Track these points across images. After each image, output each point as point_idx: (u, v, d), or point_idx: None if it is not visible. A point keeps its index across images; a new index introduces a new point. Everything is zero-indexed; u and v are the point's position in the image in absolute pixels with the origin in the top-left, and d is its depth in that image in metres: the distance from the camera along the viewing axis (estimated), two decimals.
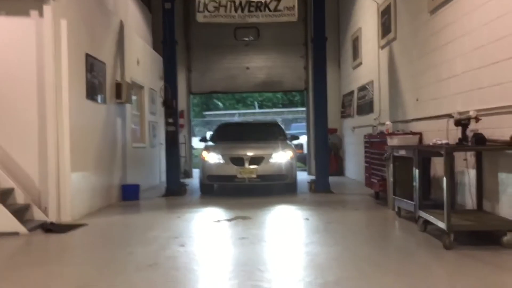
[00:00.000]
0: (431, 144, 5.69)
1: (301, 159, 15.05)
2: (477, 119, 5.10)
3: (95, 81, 7.60)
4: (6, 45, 6.55)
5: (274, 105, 28.72)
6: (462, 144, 5.16)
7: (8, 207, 5.94)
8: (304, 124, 17.00)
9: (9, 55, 6.55)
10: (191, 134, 14.84)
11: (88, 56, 7.30)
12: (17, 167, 6.51)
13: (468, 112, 5.38)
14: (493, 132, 5.13)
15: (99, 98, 7.81)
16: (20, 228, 5.83)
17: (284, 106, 28.52)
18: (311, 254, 4.68)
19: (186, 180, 10.92)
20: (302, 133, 15.70)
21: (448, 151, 4.86)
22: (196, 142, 16.70)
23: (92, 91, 7.49)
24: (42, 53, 6.50)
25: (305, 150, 15.60)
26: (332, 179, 10.13)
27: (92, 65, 7.46)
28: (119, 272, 4.19)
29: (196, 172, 13.49)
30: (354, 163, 12.26)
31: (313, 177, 10.29)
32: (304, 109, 18.32)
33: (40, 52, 6.51)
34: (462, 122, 5.25)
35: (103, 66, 8.03)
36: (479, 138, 4.87)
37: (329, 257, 4.54)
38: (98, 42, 7.93)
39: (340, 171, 13.57)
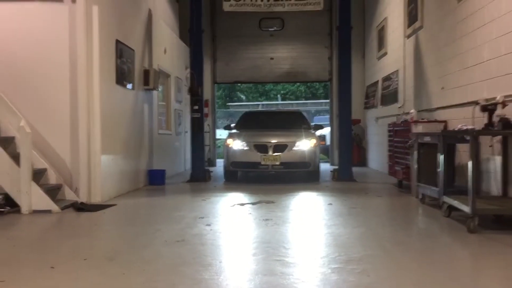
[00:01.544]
0: (456, 129, 5.68)
1: (324, 151, 15.09)
2: (504, 104, 5.09)
3: (124, 67, 7.79)
4: (41, 31, 6.76)
5: (297, 99, 28.71)
6: (488, 129, 5.15)
7: (41, 186, 6.19)
8: (327, 117, 17.02)
9: (43, 40, 6.76)
10: (215, 123, 14.99)
11: (118, 42, 7.48)
12: (50, 148, 6.75)
13: (494, 98, 5.37)
14: None
15: (128, 83, 8.01)
16: (53, 206, 6.07)
17: (307, 99, 28.49)
18: (335, 234, 4.76)
19: (210, 169, 11.08)
20: (325, 125, 15.71)
21: (474, 135, 4.86)
22: (219, 133, 16.96)
23: (122, 76, 7.68)
24: (75, 38, 6.70)
25: (327, 142, 15.63)
26: (355, 169, 10.18)
27: (121, 51, 7.64)
28: (147, 245, 4.35)
29: (219, 162, 13.72)
30: (377, 154, 12.24)
31: (336, 167, 10.36)
32: (327, 101, 18.34)
33: (72, 38, 6.71)
34: (489, 108, 5.25)
35: (132, 52, 8.22)
36: (506, 123, 4.87)
37: (352, 237, 4.62)
38: (127, 29, 8.11)
39: (363, 162, 13.57)
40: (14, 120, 6.35)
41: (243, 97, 29.93)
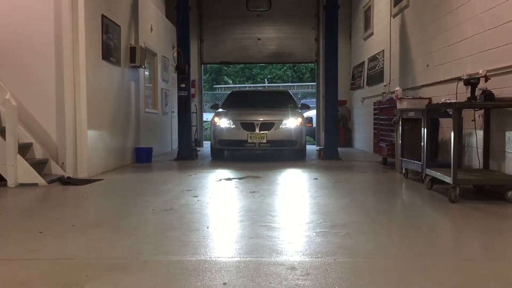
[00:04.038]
0: (440, 103, 5.78)
1: (311, 133, 15.18)
2: (486, 78, 5.18)
3: (110, 42, 7.73)
4: (25, 4, 6.68)
5: (284, 83, 28.73)
6: (470, 102, 5.25)
7: (27, 160, 6.17)
8: (313, 100, 17.10)
9: (27, 13, 6.68)
10: (202, 103, 14.98)
11: (104, 17, 7.42)
12: (35, 123, 6.72)
13: (477, 74, 5.46)
14: (502, 91, 5.23)
15: (114, 60, 7.95)
16: (39, 180, 6.06)
17: (293, 83, 28.52)
18: (320, 204, 4.84)
19: (197, 149, 11.10)
20: (312, 108, 15.77)
21: (457, 107, 4.95)
22: (206, 116, 16.97)
23: (108, 52, 7.63)
24: (60, 12, 6.64)
25: (314, 124, 15.72)
26: (340, 149, 10.29)
27: (107, 26, 7.58)
28: (135, 214, 4.39)
29: (206, 144, 13.75)
30: (363, 134, 12.37)
31: (322, 147, 10.46)
32: (313, 83, 18.42)
33: (57, 11, 6.65)
34: (471, 81, 5.33)
35: (118, 29, 8.15)
36: (488, 95, 4.97)
37: (337, 206, 4.71)
38: (113, 5, 8.03)
39: (348, 143, 13.71)
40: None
41: (230, 81, 29.86)
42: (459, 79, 5.85)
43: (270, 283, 2.53)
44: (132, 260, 2.94)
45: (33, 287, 2.51)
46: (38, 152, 6.58)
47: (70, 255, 3.05)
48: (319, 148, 10.24)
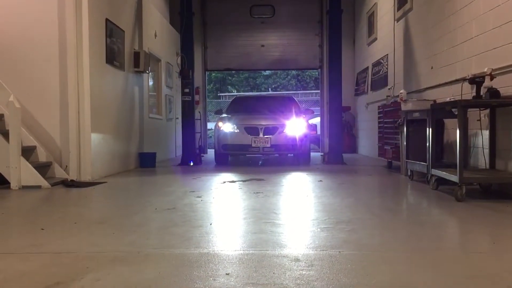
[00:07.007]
0: (445, 102, 5.73)
1: (315, 140, 15.12)
2: (491, 76, 5.14)
3: (114, 47, 7.75)
4: (28, 7, 6.72)
5: (288, 91, 28.76)
6: (476, 99, 5.20)
7: (31, 163, 6.15)
8: (318, 108, 17.06)
9: (31, 16, 6.71)
10: (206, 111, 14.97)
11: (108, 21, 7.44)
12: (39, 126, 6.72)
13: (482, 73, 5.41)
14: (507, 90, 5.18)
15: (118, 64, 7.97)
16: (43, 182, 6.04)
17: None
18: (325, 203, 4.79)
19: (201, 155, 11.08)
20: (315, 116, 15.73)
21: (463, 105, 4.90)
22: (210, 126, 16.94)
23: (112, 56, 7.64)
24: (64, 15, 6.67)
25: (318, 132, 15.68)
26: (345, 155, 10.25)
27: (111, 30, 7.60)
28: (137, 212, 4.36)
29: (210, 152, 13.73)
30: (367, 140, 12.32)
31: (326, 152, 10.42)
32: (317, 91, 18.41)
33: (61, 14, 6.68)
34: (477, 80, 5.29)
35: (122, 33, 8.18)
36: (494, 92, 4.92)
37: (342, 205, 4.66)
38: (117, 9, 8.07)
39: (353, 149, 13.65)
40: (3, 95, 6.31)
41: (234, 90, 29.93)
42: (464, 79, 5.81)
43: (274, 273, 2.49)
44: (134, 253, 2.91)
45: (33, 278, 2.47)
46: (42, 155, 6.56)
47: (71, 249, 3.02)
48: (324, 153, 10.19)
